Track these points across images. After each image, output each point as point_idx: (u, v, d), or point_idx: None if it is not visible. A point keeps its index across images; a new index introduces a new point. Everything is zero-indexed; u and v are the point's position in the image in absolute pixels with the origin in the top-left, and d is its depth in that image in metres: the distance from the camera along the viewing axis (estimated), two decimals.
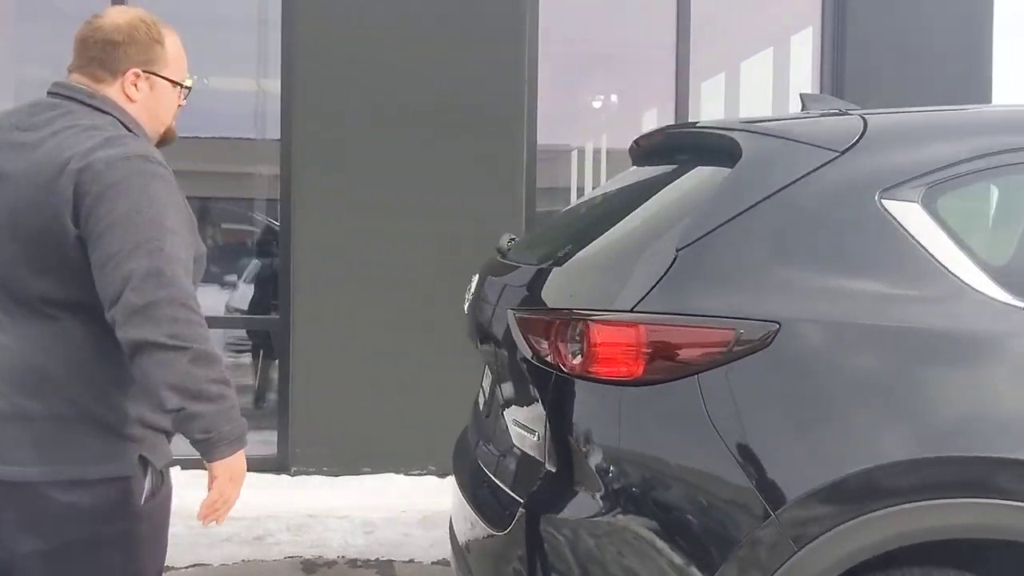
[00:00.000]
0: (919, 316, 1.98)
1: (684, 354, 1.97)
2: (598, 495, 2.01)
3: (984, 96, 5.58)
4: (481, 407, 2.79)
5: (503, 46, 5.21)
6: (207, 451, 1.80)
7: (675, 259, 2.05)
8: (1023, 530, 1.89)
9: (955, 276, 2.02)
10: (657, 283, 2.03)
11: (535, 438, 2.16)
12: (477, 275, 2.84)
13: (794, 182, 2.11)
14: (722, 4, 5.79)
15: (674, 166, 2.52)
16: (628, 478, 1.99)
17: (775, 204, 2.09)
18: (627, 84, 6.23)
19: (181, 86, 2.05)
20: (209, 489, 1.87)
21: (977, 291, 2.01)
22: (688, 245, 2.06)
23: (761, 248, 2.06)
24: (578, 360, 2.05)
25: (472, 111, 5.15)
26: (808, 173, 2.11)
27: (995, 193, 2.22)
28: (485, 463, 2.49)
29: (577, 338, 2.06)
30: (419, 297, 5.17)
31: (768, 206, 2.08)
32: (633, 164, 3.03)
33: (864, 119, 2.23)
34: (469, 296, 2.83)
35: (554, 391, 2.11)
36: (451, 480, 3.06)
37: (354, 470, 5.17)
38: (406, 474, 5.15)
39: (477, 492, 2.49)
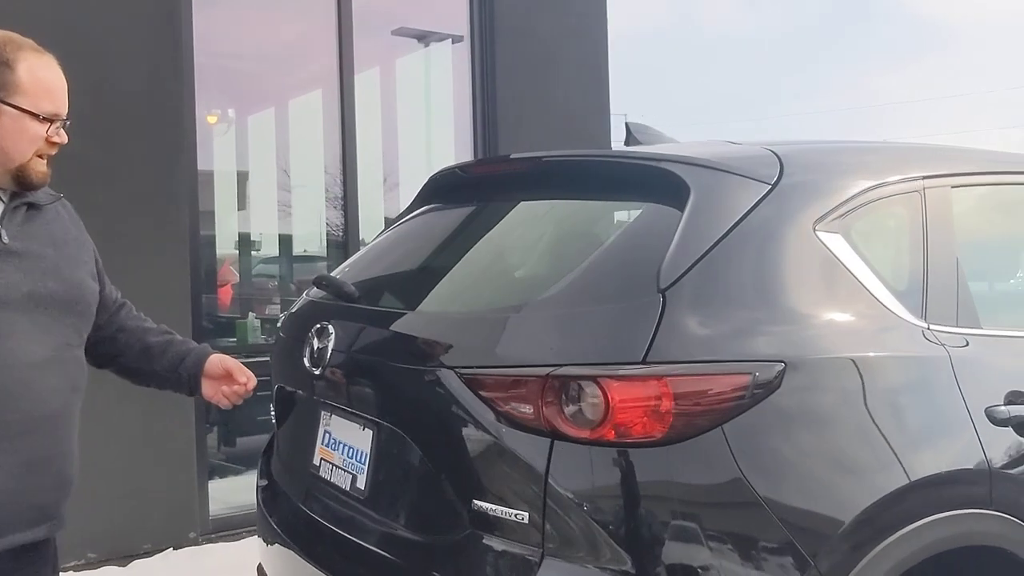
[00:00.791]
0: (877, 346, 2.05)
1: (709, 404, 1.81)
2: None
3: (604, 108, 6.10)
4: (337, 484, 2.33)
5: (157, 52, 4.47)
6: None
7: (664, 302, 1.88)
8: (994, 535, 2.05)
9: (883, 304, 2.13)
10: (657, 330, 1.85)
11: (522, 519, 1.84)
12: (320, 324, 2.36)
13: (746, 215, 2.06)
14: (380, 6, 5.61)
15: (562, 199, 2.33)
16: (661, 551, 1.78)
17: (737, 239, 2.02)
18: (288, 92, 5.74)
19: (41, 118, 1.72)
20: None
21: (898, 316, 2.14)
22: (671, 285, 1.91)
23: (737, 284, 1.98)
24: (586, 424, 1.79)
25: (123, 124, 4.35)
26: (755, 206, 2.08)
27: (891, 220, 2.38)
28: (405, 559, 2.06)
29: (582, 398, 1.80)
30: None
31: (732, 241, 2.01)
32: (441, 194, 2.76)
33: (771, 151, 2.26)
34: (312, 347, 2.35)
35: (557, 462, 1.81)
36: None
37: None
38: (71, 569, 4.18)
39: None
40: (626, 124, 2.82)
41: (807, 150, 2.38)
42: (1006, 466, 2.11)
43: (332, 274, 2.77)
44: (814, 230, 2.11)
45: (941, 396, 2.09)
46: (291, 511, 2.55)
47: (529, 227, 2.39)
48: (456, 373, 1.95)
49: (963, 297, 2.29)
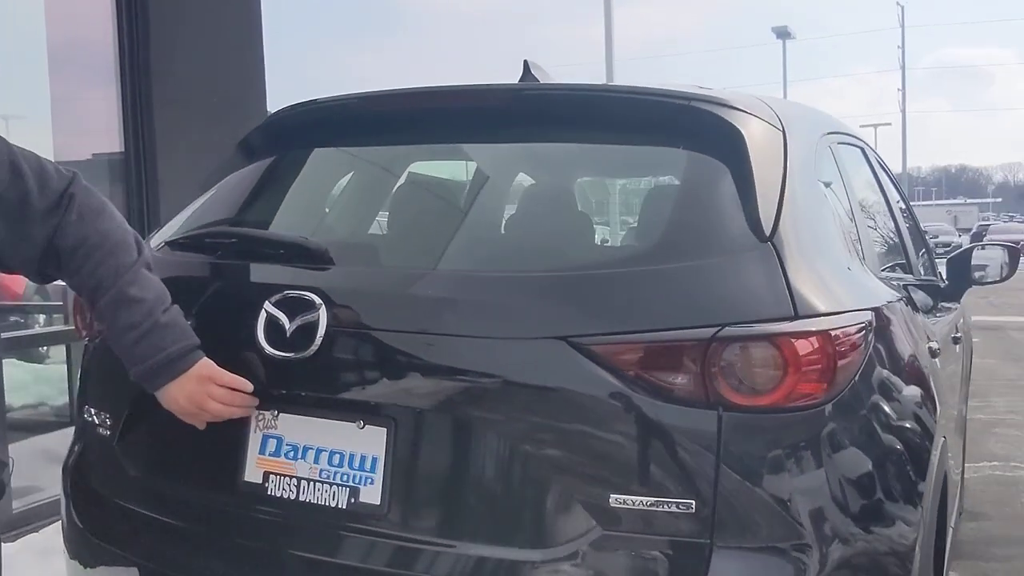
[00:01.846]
0: (889, 292, 2.13)
1: (853, 356, 1.70)
2: (811, 557, 1.60)
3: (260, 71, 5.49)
4: (316, 503, 1.77)
5: None
6: None
7: (778, 253, 1.73)
8: None
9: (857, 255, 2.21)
10: (788, 281, 1.69)
11: (687, 508, 1.56)
12: (287, 293, 1.76)
13: (786, 161, 1.98)
14: None
15: (577, 142, 2.04)
16: (832, 515, 1.63)
17: (792, 185, 1.93)
18: None
19: None
20: None
21: (866, 264, 2.23)
22: (773, 234, 1.76)
23: (811, 231, 1.89)
24: (758, 390, 1.58)
25: None
26: (785, 152, 2.01)
27: (823, 172, 2.42)
28: None
29: (755, 362, 1.58)
30: None
31: (790, 188, 1.91)
32: (351, 129, 2.21)
33: (753, 96, 2.19)
34: (280, 325, 1.74)
35: (728, 436, 1.56)
36: None
37: None
38: None
39: None
40: (525, 61, 2.53)
41: (764, 98, 2.35)
42: (939, 395, 2.34)
43: (190, 227, 2.09)
44: (819, 181, 2.12)
45: (916, 331, 2.24)
46: (193, 543, 1.90)
47: (545, 172, 2.03)
48: (569, 343, 1.59)
49: (867, 245, 2.47)
